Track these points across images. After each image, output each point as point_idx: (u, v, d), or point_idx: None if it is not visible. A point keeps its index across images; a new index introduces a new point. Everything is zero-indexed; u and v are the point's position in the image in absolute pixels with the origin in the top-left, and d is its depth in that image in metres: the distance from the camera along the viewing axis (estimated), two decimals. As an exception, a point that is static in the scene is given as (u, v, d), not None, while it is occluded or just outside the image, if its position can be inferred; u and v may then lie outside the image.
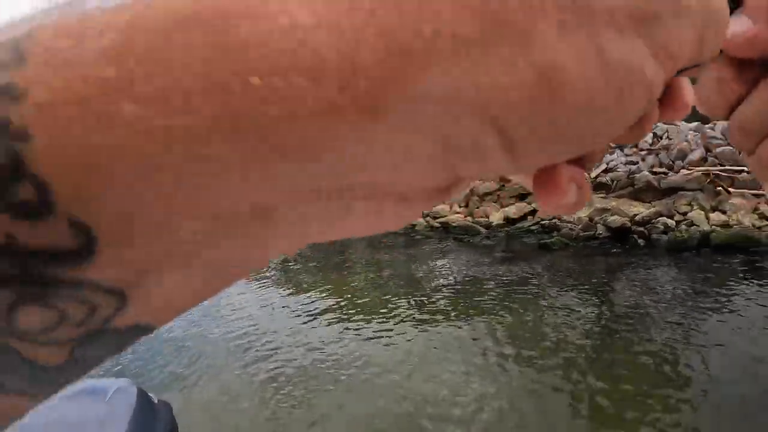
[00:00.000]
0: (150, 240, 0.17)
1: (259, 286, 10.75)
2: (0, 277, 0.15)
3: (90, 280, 0.16)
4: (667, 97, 0.26)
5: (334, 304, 8.37)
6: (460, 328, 7.11)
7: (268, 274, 11.58)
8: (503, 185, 17.71)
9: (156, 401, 1.88)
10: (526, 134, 0.20)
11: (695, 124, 20.57)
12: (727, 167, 15.32)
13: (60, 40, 0.15)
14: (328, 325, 7.33)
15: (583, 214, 14.55)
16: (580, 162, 0.26)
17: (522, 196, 16.46)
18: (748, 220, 12.56)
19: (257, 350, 6.47)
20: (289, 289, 9.82)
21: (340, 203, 0.20)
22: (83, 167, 0.15)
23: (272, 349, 6.52)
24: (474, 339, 6.69)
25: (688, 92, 0.26)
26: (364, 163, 0.19)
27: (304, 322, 7.60)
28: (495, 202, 16.91)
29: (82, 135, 0.15)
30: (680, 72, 0.25)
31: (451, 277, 10.26)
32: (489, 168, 0.22)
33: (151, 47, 0.15)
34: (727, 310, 7.52)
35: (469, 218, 16.26)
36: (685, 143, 17.08)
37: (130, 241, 0.16)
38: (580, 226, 13.73)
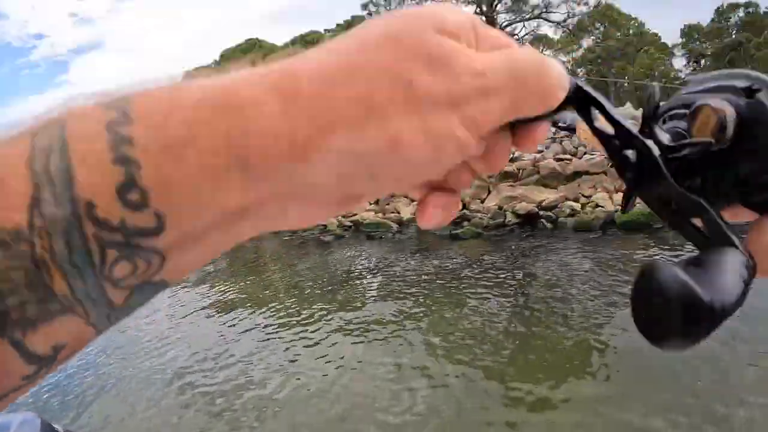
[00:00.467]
0: (190, 225, 0.28)
1: (174, 301, 10.34)
2: (111, 243, 0.25)
3: (155, 247, 0.27)
4: (486, 152, 0.35)
5: (253, 310, 7.98)
6: (382, 321, 6.95)
7: (184, 285, 11.15)
8: (412, 180, 17.63)
9: (62, 433, 1.56)
10: (384, 176, 0.32)
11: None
12: (626, 151, 15.78)
13: (155, 105, 0.28)
14: (250, 334, 6.90)
15: (492, 203, 14.67)
16: (447, 188, 0.37)
17: (431, 189, 16.37)
18: (650, 199, 12.88)
19: (180, 372, 5.88)
20: (206, 297, 9.39)
21: (282, 206, 0.31)
22: (168, 185, 0.26)
23: (198, 370, 5.98)
24: (396, 331, 6.53)
25: (501, 150, 0.36)
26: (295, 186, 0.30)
27: (224, 334, 7.15)
28: (405, 197, 16.82)
29: (168, 167, 0.26)
30: (519, 123, 0.35)
31: (367, 273, 10.03)
32: (368, 194, 0.34)
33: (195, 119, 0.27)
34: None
35: (380, 215, 16.08)
36: (586, 130, 17.51)
37: (180, 227, 0.27)
38: (489, 215, 13.77)
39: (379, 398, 4.89)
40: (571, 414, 4.40)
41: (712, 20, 70.48)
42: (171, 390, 5.53)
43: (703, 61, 72.71)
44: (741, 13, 68.01)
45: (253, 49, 63.20)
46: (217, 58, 68.33)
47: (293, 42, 64.51)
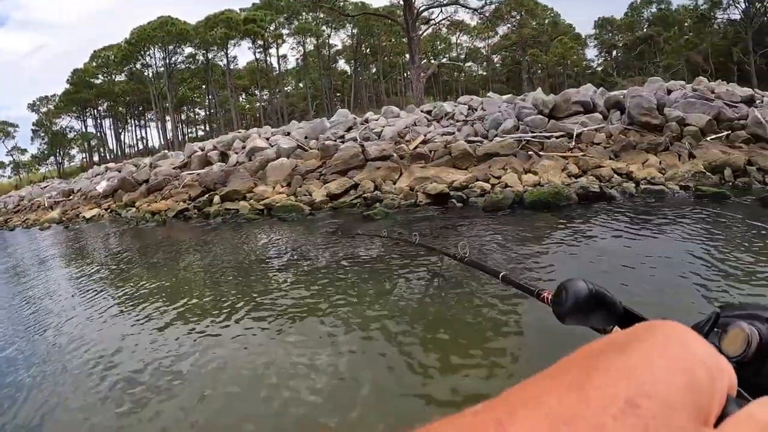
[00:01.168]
0: None
1: (83, 286, 9.85)
2: None
3: None
4: None
5: (165, 295, 7.57)
6: (297, 299, 6.72)
7: (92, 284, 10.61)
8: (325, 161, 17.47)
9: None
10: None
11: (508, 96, 21.72)
12: (537, 133, 16.15)
13: None
14: (165, 324, 6.45)
15: (404, 184, 14.62)
16: None
17: (343, 172, 16.32)
18: (558, 178, 13.18)
19: (92, 369, 5.40)
20: (117, 283, 8.96)
21: None
22: None
23: (109, 355, 5.51)
24: (312, 308, 6.31)
25: None
26: None
27: (135, 319, 6.65)
28: (317, 179, 16.62)
29: None
30: None
31: (280, 255, 9.76)
32: None
33: None
34: (541, 256, 7.65)
35: (292, 197, 15.77)
36: (498, 113, 17.78)
37: None
38: (401, 196, 13.72)
39: (295, 375, 4.66)
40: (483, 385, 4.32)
41: (626, 14, 73.74)
42: (80, 375, 5.10)
43: (614, 52, 75.92)
44: (653, 8, 71.49)
45: (164, 27, 61.30)
46: (128, 36, 65.88)
47: (207, 20, 62.98)
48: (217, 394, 4.45)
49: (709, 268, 6.30)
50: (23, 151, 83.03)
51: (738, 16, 54.73)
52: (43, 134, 78.16)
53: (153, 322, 6.57)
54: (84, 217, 22.22)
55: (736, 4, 54.57)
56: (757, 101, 17.07)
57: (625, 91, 18.00)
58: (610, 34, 74.87)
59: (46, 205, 28.21)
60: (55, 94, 76.21)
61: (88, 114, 77.16)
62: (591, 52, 79.43)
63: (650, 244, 7.69)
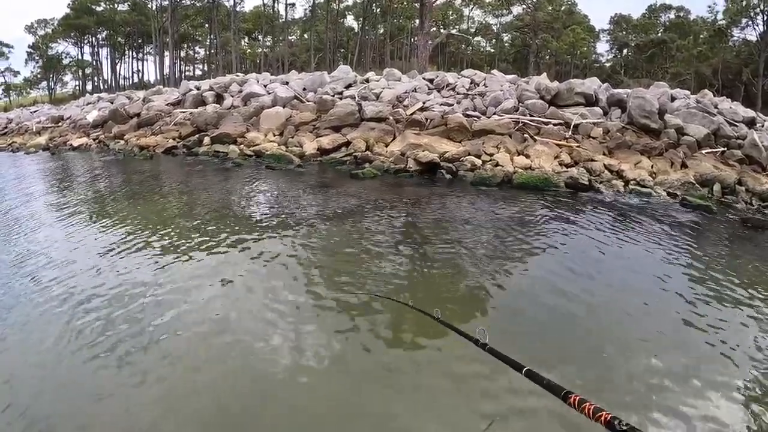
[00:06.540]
0: None
1: (66, 221, 9.57)
2: None
3: None
4: None
5: (143, 232, 7.48)
6: (275, 250, 6.62)
7: (71, 210, 10.44)
8: (320, 115, 17.30)
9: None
10: None
11: (512, 76, 21.54)
12: (535, 118, 16.05)
13: None
14: (138, 256, 6.37)
15: (396, 148, 14.51)
16: None
17: (337, 128, 16.17)
18: (549, 165, 13.11)
19: (69, 304, 5.26)
20: (93, 218, 8.75)
21: None
22: None
23: (86, 294, 5.35)
24: (289, 261, 6.27)
25: None
26: None
27: (110, 257, 6.46)
28: (310, 132, 16.46)
29: None
30: None
31: (264, 203, 9.72)
32: None
33: None
34: (525, 233, 7.64)
35: (283, 147, 15.62)
36: (500, 92, 17.65)
37: None
38: (391, 159, 13.61)
39: (268, 327, 4.58)
40: (454, 356, 4.28)
41: (643, 15, 73.29)
42: (55, 316, 4.94)
43: (625, 51, 75.55)
44: (671, 14, 71.05)
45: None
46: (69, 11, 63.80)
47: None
48: (185, 335, 4.42)
49: (679, 281, 6.27)
50: (16, 73, 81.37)
51: (754, 38, 54.20)
52: (37, 58, 76.52)
53: (125, 253, 6.51)
54: (71, 145, 21.87)
55: (755, 26, 54.07)
56: (758, 124, 17.09)
57: (629, 91, 17.90)
58: (624, 32, 74.47)
59: (33, 129, 27.77)
60: (54, 18, 74.50)
61: (85, 41, 75.60)
62: (602, 47, 79.12)
63: (628, 247, 7.65)
